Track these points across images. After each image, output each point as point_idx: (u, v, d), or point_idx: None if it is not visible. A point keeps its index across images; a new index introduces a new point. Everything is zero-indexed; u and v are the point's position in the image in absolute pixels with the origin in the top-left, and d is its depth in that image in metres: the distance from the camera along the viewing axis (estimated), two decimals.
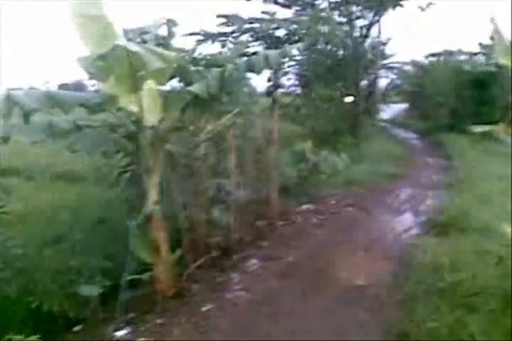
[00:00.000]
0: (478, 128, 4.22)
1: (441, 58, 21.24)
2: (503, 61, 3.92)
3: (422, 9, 19.14)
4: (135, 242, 4.10)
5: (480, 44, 19.75)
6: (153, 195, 4.30)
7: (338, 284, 4.95)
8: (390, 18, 20.87)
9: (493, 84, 16.33)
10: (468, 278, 4.40)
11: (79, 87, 13.43)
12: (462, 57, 20.76)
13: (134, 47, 3.15)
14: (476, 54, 20.36)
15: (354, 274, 5.21)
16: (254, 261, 5.60)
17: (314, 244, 6.36)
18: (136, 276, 4.18)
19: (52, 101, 3.28)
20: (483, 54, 19.67)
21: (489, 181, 8.31)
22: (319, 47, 15.59)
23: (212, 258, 5.30)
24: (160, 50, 3.28)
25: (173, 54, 3.45)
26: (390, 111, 25.01)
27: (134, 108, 3.99)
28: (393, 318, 4.06)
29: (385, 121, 22.84)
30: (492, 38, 4.23)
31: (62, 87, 15.78)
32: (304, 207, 8.12)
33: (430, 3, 19.19)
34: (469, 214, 6.51)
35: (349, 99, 19.20)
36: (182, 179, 5.08)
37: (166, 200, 4.61)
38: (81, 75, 18.89)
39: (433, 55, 21.58)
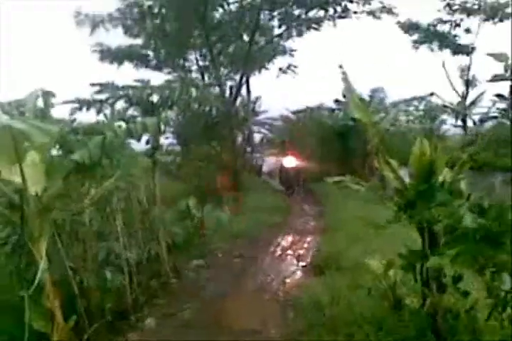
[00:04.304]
0: (331, 179, 4.82)
1: (305, 114, 23.21)
2: (357, 116, 4.25)
3: (284, 71, 21.19)
4: (30, 313, 4.05)
5: (336, 100, 22.02)
6: (42, 263, 4.31)
7: (233, 330, 5.23)
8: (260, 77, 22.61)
9: (352, 136, 18.28)
10: (343, 310, 4.98)
11: None
12: (324, 113, 22.95)
13: (18, 124, 3.34)
14: (333, 110, 22.63)
15: (247, 319, 5.55)
16: (150, 319, 5.66)
17: (207, 297, 6.58)
18: None
19: None
20: (340, 109, 21.96)
21: (354, 223, 9.30)
22: (194, 107, 16.43)
23: (109, 321, 5.28)
24: (42, 124, 3.48)
25: (55, 127, 3.68)
26: (266, 164, 26.38)
27: (16, 178, 4.07)
28: None
29: (263, 173, 24.00)
30: (344, 96, 4.88)
31: None
32: (194, 262, 8.33)
33: (290, 66, 21.33)
34: (341, 254, 7.27)
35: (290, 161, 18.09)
36: (70, 245, 5.12)
37: (56, 267, 4.62)
38: None
39: (297, 111, 23.46)
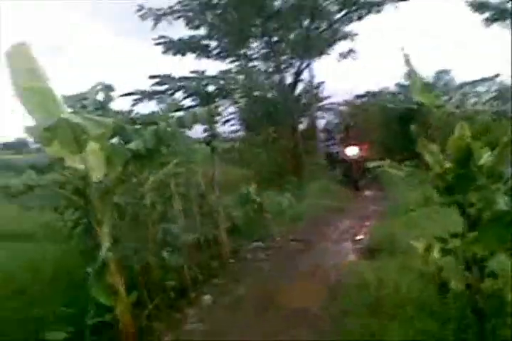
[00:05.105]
0: (372, 164, 4.91)
1: (368, 98, 22.79)
2: (421, 99, 4.23)
3: (344, 56, 20.82)
4: (95, 288, 4.50)
5: (397, 84, 21.44)
6: (106, 243, 4.74)
7: (283, 308, 5.49)
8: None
9: (416, 120, 17.78)
10: (391, 292, 5.08)
11: (22, 144, 13.82)
12: (386, 97, 22.39)
13: (75, 118, 3.73)
14: (394, 94, 22.02)
15: (298, 298, 5.79)
16: (208, 296, 6.03)
17: (263, 277, 6.89)
18: (99, 319, 4.53)
19: (5, 165, 3.80)
20: (399, 93, 21.34)
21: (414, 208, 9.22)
22: (255, 94, 16.70)
23: (169, 298, 5.69)
24: (98, 117, 3.85)
25: (110, 119, 4.04)
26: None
27: (80, 166, 4.50)
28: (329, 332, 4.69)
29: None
30: (408, 78, 4.71)
31: (6, 145, 16.22)
32: (253, 244, 8.65)
33: (351, 51, 20.94)
34: (396, 238, 7.29)
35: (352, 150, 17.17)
36: (132, 227, 5.56)
37: (119, 247, 5.06)
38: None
39: (360, 96, 23.08)
